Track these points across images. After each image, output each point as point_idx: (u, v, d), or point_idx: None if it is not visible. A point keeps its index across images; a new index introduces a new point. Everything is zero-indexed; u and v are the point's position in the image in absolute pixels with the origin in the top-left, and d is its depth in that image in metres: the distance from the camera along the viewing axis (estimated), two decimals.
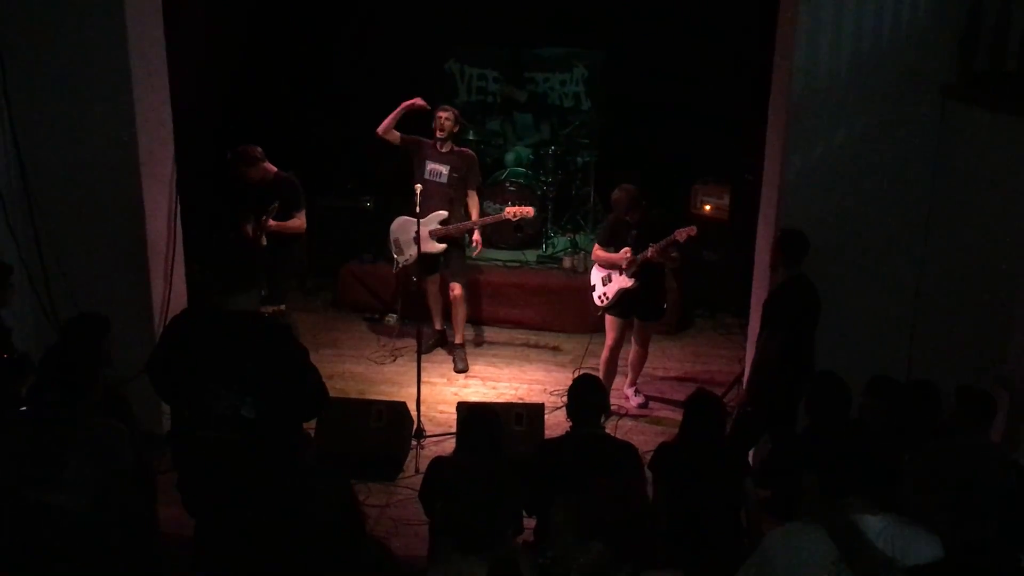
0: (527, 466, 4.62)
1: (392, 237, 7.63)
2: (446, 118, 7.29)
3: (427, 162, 7.33)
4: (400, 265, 7.65)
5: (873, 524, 2.99)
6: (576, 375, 7.35)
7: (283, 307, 6.97)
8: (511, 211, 7.43)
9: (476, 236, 7.63)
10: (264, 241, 6.62)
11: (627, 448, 4.70)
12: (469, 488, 2.75)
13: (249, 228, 6.66)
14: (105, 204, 5.94)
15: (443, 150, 7.35)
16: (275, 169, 6.83)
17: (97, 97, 5.77)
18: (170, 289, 6.26)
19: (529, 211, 7.50)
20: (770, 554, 3.04)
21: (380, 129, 7.29)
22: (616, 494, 3.00)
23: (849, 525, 2.96)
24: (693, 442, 4.59)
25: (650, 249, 6.50)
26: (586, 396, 4.60)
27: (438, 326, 8.01)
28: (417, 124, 7.43)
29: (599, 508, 2.85)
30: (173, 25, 6.21)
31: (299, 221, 6.87)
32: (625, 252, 6.64)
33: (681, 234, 6.37)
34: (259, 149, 6.77)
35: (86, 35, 5.68)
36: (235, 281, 3.79)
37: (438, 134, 7.30)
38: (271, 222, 6.64)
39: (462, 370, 7.66)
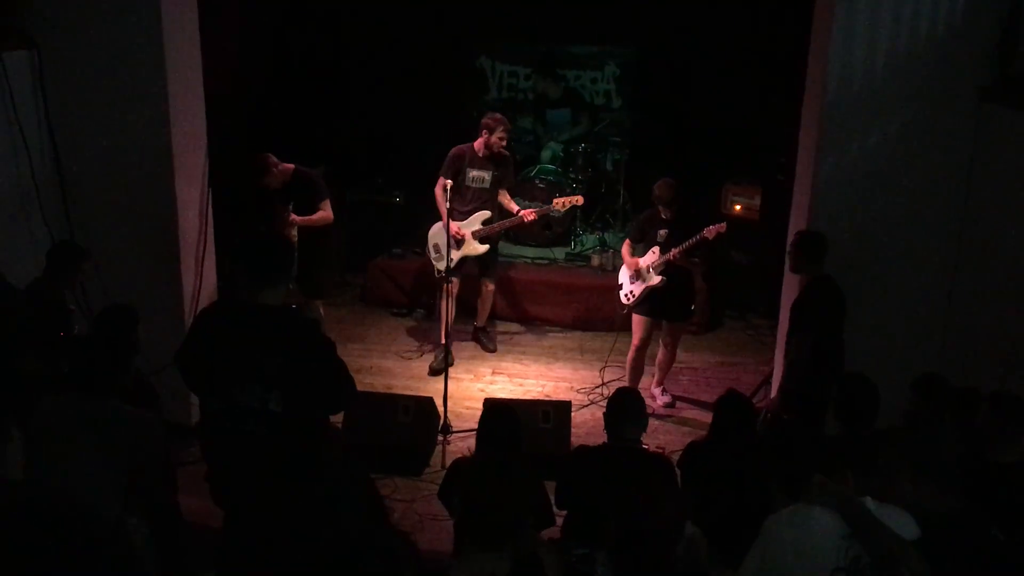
0: (559, 464, 4.63)
1: (431, 243, 7.39)
2: (501, 138, 7.21)
3: (469, 170, 7.28)
4: (441, 272, 7.20)
5: (868, 504, 2.97)
6: (602, 371, 7.42)
7: (320, 301, 7.08)
8: (559, 202, 7.42)
9: (528, 215, 7.36)
10: (295, 236, 6.66)
11: (661, 461, 4.68)
12: (485, 486, 2.75)
13: (284, 225, 6.71)
14: (138, 197, 5.99)
15: (483, 155, 7.30)
16: (292, 167, 6.83)
17: (131, 91, 5.81)
18: (200, 282, 6.31)
19: (578, 200, 7.52)
20: (776, 536, 3.00)
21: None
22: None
23: (857, 503, 2.93)
24: (724, 443, 4.56)
25: (673, 251, 6.48)
26: (625, 410, 4.55)
27: (444, 339, 7.22)
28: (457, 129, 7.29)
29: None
30: (207, 20, 6.25)
31: (325, 212, 6.88)
32: (638, 261, 6.70)
33: (711, 231, 6.34)
34: (270, 156, 6.73)
35: (122, 30, 5.71)
36: (264, 275, 3.81)
37: (485, 152, 7.23)
38: (294, 216, 6.70)
39: (493, 350, 7.90)
